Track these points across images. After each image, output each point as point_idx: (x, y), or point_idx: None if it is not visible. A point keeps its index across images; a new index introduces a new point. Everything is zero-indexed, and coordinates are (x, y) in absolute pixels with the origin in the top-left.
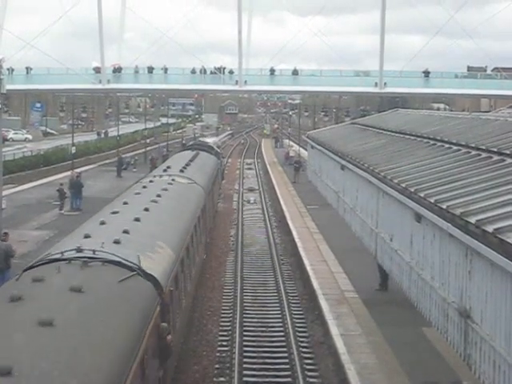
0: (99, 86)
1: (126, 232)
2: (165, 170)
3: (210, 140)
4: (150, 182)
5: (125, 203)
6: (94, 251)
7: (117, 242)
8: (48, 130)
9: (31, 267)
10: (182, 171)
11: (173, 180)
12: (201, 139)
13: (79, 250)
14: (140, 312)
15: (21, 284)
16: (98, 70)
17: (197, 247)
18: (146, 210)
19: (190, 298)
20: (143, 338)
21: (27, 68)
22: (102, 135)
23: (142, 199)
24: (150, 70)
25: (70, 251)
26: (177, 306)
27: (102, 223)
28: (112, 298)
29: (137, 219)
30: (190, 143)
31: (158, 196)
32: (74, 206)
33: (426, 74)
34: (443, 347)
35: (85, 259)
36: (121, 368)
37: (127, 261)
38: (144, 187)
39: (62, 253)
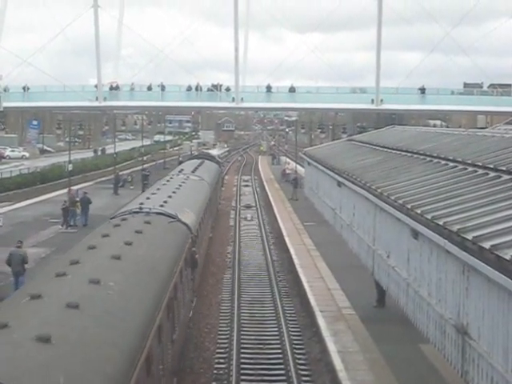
0: (96, 104)
1: (169, 197)
2: (180, 171)
3: (213, 152)
4: (171, 178)
5: (158, 189)
6: (150, 208)
7: (164, 203)
8: (45, 147)
9: (113, 217)
10: (193, 172)
11: (187, 177)
12: (204, 151)
13: (141, 208)
14: (181, 240)
15: (107, 225)
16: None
17: (209, 216)
18: (174, 192)
19: (207, 238)
20: (183, 253)
21: (24, 87)
22: (99, 152)
23: (170, 186)
24: (150, 88)
25: (136, 208)
26: (200, 240)
27: (153, 193)
28: (166, 230)
29: (174, 192)
30: (196, 154)
31: (180, 185)
32: (82, 221)
33: (422, 90)
34: (441, 364)
35: (146, 212)
36: (172, 264)
37: (170, 214)
38: (168, 181)
39: (129, 210)
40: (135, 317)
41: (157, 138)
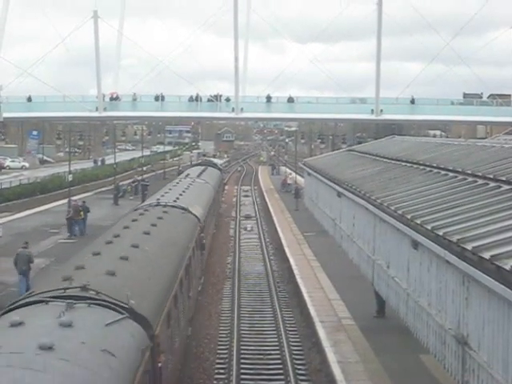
0: (96, 114)
1: (180, 195)
2: (187, 176)
3: (214, 160)
4: (180, 181)
5: (170, 189)
6: (166, 202)
7: (176, 199)
8: (45, 157)
9: (136, 209)
10: (198, 176)
11: (194, 180)
12: (207, 159)
13: (159, 202)
14: (192, 226)
15: (134, 213)
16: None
17: (213, 213)
18: (184, 191)
19: (212, 231)
20: (194, 237)
21: (29, 97)
22: (99, 163)
23: (180, 187)
24: (157, 98)
25: (154, 203)
26: (206, 229)
27: (166, 192)
28: (180, 218)
29: (183, 191)
30: (200, 161)
31: (188, 186)
32: (79, 231)
33: (412, 101)
34: (441, 374)
35: (163, 205)
36: (187, 242)
37: (182, 207)
38: (177, 183)
39: (149, 204)
40: (164, 270)
41: (154, 148)
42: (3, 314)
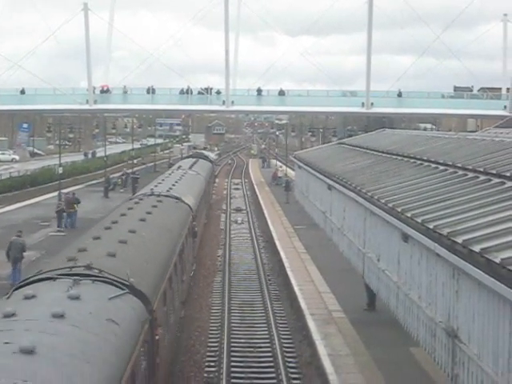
0: (86, 107)
1: (173, 185)
2: (179, 167)
3: (205, 152)
4: (172, 172)
5: (163, 180)
6: (160, 192)
7: (169, 189)
8: (35, 150)
9: (131, 199)
10: (190, 168)
11: (186, 172)
12: (198, 151)
13: (153, 192)
14: (184, 215)
15: (129, 203)
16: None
17: (204, 202)
18: (177, 182)
19: (203, 220)
20: (187, 224)
21: (22, 90)
22: (90, 155)
23: (172, 178)
24: (149, 91)
25: (149, 192)
26: (198, 218)
27: (159, 183)
28: (174, 207)
29: (176, 182)
30: (191, 154)
31: (180, 177)
32: (68, 223)
33: (399, 94)
34: (431, 367)
35: (157, 195)
36: (180, 229)
37: (176, 196)
38: (170, 174)
39: (144, 194)
40: (160, 253)
41: (144, 141)
42: (15, 289)
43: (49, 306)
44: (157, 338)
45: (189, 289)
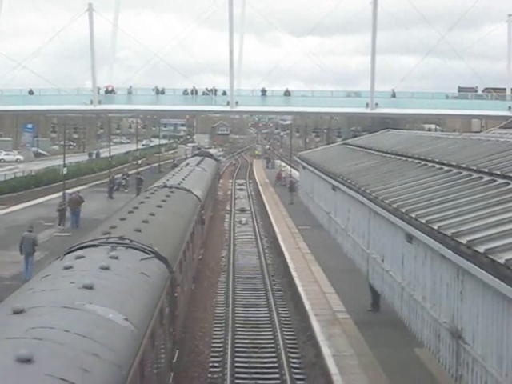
0: (90, 107)
1: (183, 179)
2: (187, 165)
3: (211, 150)
4: (181, 168)
5: (173, 175)
6: (171, 185)
7: (180, 182)
8: (39, 150)
9: (146, 190)
10: (197, 165)
11: (193, 168)
12: (204, 150)
13: (165, 185)
14: (194, 204)
15: (146, 193)
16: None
17: (211, 196)
18: (186, 176)
19: (209, 213)
20: (196, 212)
21: (30, 90)
22: (94, 156)
23: (182, 173)
24: (157, 91)
25: (161, 185)
26: (206, 208)
27: (170, 177)
28: (184, 197)
29: (186, 177)
30: (197, 152)
31: (189, 173)
32: (73, 223)
33: (393, 94)
34: (435, 368)
35: (169, 187)
36: (191, 216)
37: (186, 188)
38: (179, 170)
39: (157, 186)
40: (175, 232)
41: (145, 142)
42: (65, 254)
43: (96, 262)
44: (175, 294)
45: (197, 268)
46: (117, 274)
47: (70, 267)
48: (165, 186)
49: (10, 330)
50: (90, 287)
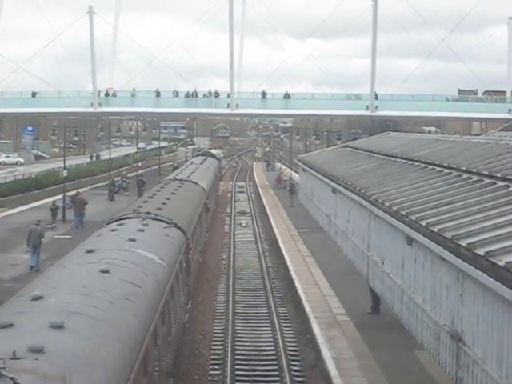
0: (91, 110)
1: (190, 174)
2: (192, 163)
3: (213, 151)
4: (187, 166)
5: (181, 170)
6: (181, 178)
7: (188, 176)
8: (40, 153)
9: (160, 182)
10: (201, 163)
11: (198, 166)
12: (207, 150)
13: (176, 178)
14: (200, 194)
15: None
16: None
17: (214, 190)
18: (192, 172)
19: (213, 202)
20: (202, 201)
21: (33, 93)
22: (94, 158)
23: (188, 170)
24: (158, 94)
25: (173, 178)
26: (210, 198)
27: (179, 173)
28: (192, 189)
29: (192, 172)
30: (200, 152)
31: (194, 170)
32: (78, 224)
33: (376, 96)
34: (435, 370)
35: (179, 180)
36: (198, 203)
37: (193, 181)
38: (186, 167)
39: (170, 179)
40: (188, 211)
41: (142, 145)
42: (107, 224)
43: (133, 227)
44: (190, 256)
45: (205, 245)
46: (149, 234)
47: (116, 230)
48: (175, 179)
49: (89, 260)
50: (134, 240)
